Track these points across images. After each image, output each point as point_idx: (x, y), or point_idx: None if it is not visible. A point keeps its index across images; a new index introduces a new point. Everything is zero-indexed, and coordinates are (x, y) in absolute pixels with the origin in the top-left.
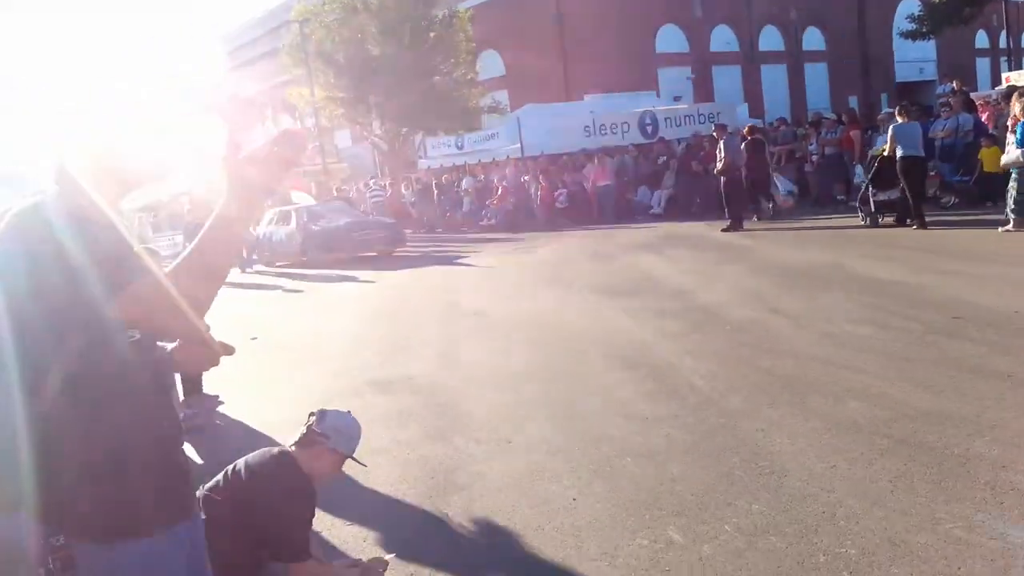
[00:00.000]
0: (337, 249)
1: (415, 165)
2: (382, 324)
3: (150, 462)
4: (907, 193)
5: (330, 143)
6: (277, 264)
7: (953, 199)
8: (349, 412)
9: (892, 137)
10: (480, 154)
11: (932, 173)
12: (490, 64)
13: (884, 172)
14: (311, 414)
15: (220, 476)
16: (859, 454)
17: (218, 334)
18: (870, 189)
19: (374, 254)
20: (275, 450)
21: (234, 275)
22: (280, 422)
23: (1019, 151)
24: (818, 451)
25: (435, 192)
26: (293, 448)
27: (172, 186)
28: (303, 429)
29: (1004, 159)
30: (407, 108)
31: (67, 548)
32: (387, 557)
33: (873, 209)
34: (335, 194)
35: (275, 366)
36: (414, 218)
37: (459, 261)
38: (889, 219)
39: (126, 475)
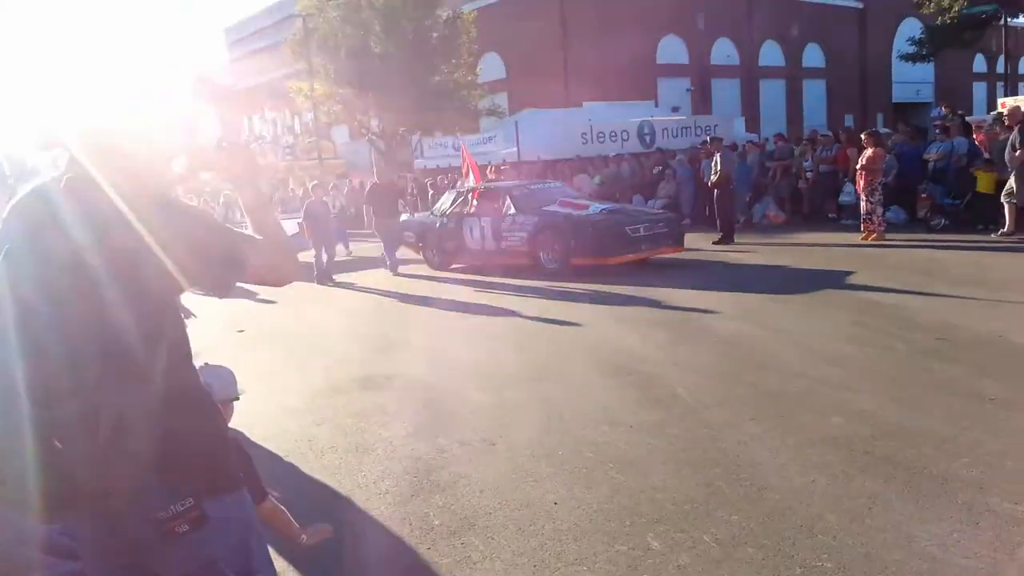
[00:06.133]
0: (600, 251)
1: (411, 165)
2: (370, 322)
3: (222, 428)
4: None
5: (327, 139)
6: (452, 267)
7: (943, 221)
8: (206, 364)
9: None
10: (477, 157)
11: (924, 195)
12: (491, 66)
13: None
14: None
15: None
16: (839, 470)
17: (203, 326)
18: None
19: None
20: None
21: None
22: (264, 420)
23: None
24: (799, 466)
25: (430, 193)
26: None
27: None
28: None
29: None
30: (406, 107)
31: (196, 507)
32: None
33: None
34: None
35: (262, 360)
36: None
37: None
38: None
39: (216, 436)
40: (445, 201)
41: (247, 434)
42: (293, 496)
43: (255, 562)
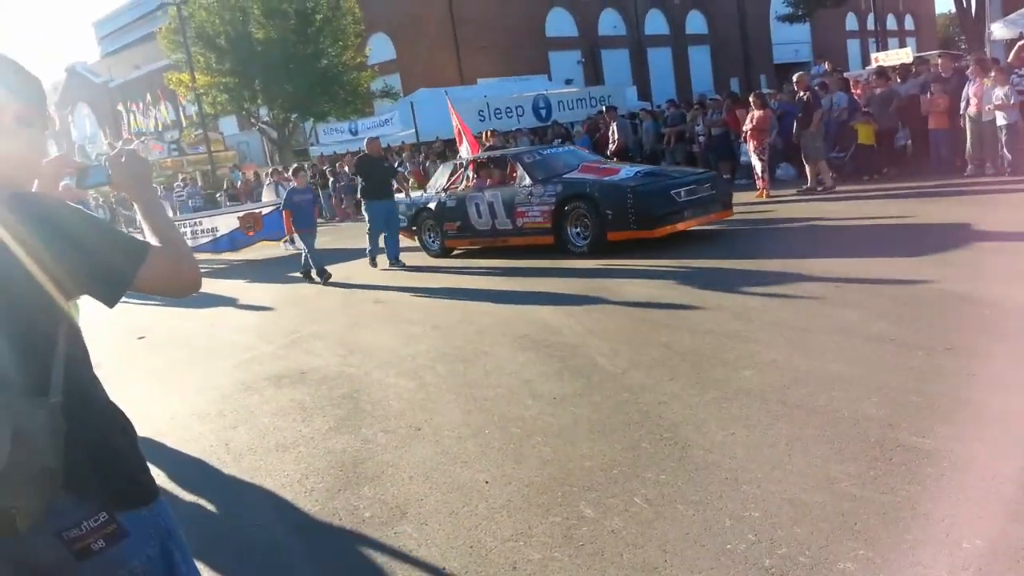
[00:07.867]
0: (644, 222)
1: (307, 152)
2: (278, 316)
3: (134, 437)
4: None
5: (215, 130)
6: (454, 253)
7: (830, 174)
8: None
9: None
10: None
11: None
12: (380, 48)
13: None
14: None
15: None
16: (756, 420)
17: (101, 334)
18: None
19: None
20: None
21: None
22: (172, 426)
23: None
24: (718, 420)
25: (329, 180)
26: None
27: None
28: None
29: None
30: (294, 93)
31: (112, 521)
32: None
33: None
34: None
35: (166, 366)
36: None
37: (356, 251)
38: None
39: (127, 447)
40: (440, 176)
41: (159, 444)
42: (213, 503)
43: (180, 573)
